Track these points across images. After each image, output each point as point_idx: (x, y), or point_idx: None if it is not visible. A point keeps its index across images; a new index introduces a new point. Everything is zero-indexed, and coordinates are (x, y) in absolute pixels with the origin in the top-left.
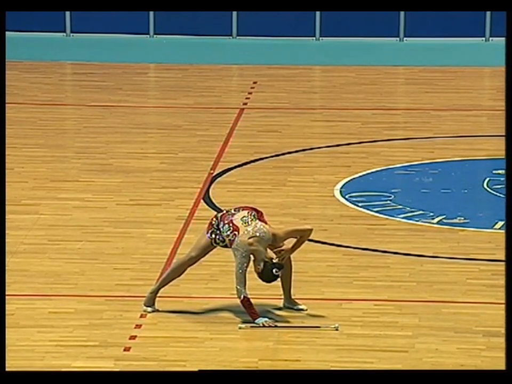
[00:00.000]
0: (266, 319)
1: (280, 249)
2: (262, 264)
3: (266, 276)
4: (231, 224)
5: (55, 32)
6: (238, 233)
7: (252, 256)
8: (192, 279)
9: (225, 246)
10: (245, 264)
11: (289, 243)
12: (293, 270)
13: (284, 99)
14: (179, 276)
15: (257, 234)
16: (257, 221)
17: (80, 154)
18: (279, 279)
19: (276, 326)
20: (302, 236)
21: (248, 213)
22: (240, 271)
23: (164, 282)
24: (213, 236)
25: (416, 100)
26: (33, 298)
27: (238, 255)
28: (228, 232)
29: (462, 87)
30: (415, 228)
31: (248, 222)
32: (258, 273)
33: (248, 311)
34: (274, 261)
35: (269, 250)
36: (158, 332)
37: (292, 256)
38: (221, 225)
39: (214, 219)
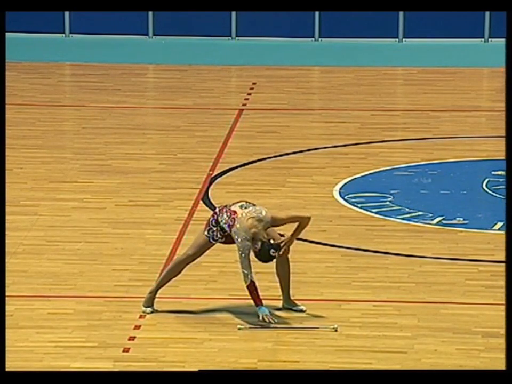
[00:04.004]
0: (267, 311)
1: (281, 240)
2: (259, 244)
3: (263, 255)
4: (229, 212)
5: (54, 33)
6: (237, 216)
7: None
8: (191, 280)
9: (224, 243)
10: (247, 248)
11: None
12: (291, 270)
13: (283, 100)
14: (177, 275)
15: (255, 214)
16: (256, 205)
17: (79, 155)
18: (277, 278)
19: (274, 321)
20: (301, 223)
21: (246, 202)
22: (243, 255)
23: (162, 282)
24: (211, 232)
25: (415, 101)
26: (32, 299)
27: (239, 239)
28: (227, 218)
29: (461, 88)
30: (414, 229)
31: (246, 207)
32: (255, 251)
33: (253, 296)
34: (272, 242)
35: (269, 231)
36: (157, 332)
37: (290, 257)
38: (219, 218)
39: (212, 216)
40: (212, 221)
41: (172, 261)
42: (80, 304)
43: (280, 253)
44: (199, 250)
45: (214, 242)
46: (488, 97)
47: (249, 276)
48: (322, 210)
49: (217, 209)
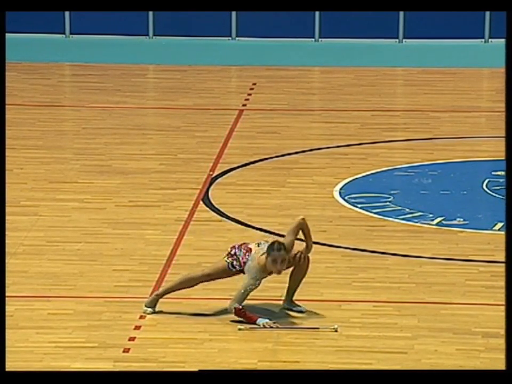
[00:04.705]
0: (266, 320)
1: (297, 253)
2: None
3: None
4: (246, 248)
5: (54, 34)
6: (251, 253)
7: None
8: None
9: (242, 271)
10: (253, 287)
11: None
12: (308, 271)
13: (283, 100)
14: (188, 288)
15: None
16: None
17: (79, 155)
18: (288, 279)
19: (277, 327)
20: (302, 228)
21: (264, 241)
22: (245, 291)
23: (171, 290)
24: (230, 259)
25: (415, 101)
26: (32, 299)
27: (249, 277)
28: (242, 255)
29: (461, 89)
30: (414, 229)
31: (261, 244)
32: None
33: (246, 319)
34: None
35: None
36: (157, 333)
37: (310, 258)
38: (238, 252)
39: (232, 248)
40: (231, 251)
41: (187, 273)
42: (80, 304)
43: (300, 262)
44: (217, 274)
45: (233, 269)
46: (488, 98)
47: (234, 306)
48: (322, 211)
49: (237, 245)
